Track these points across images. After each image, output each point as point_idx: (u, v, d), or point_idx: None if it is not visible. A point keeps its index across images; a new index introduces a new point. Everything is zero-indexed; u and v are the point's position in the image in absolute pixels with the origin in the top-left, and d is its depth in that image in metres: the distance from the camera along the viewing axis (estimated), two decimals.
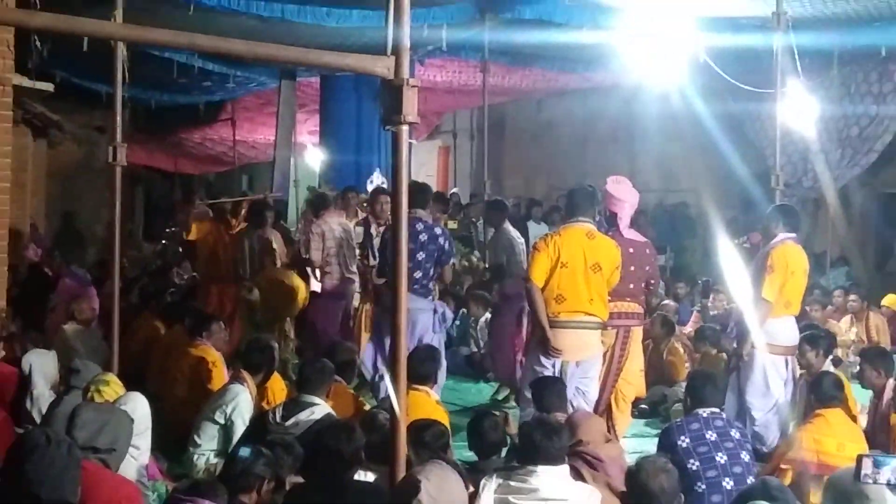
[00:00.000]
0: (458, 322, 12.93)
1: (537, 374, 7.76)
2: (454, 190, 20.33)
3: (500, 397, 10.63)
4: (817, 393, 7.27)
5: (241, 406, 7.50)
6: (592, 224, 7.99)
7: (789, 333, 8.27)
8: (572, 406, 7.45)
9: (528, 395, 7.75)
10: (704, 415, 6.37)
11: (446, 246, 9.10)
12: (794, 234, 8.36)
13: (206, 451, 7.52)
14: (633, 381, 8.45)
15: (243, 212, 12.44)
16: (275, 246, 12.03)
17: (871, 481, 4.30)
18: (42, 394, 7.43)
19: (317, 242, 10.74)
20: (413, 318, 8.62)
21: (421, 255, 8.80)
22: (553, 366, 7.78)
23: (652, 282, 8.52)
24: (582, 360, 7.82)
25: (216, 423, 7.52)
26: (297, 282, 11.35)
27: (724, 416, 6.56)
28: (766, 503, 4.05)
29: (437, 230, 9.04)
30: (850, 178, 15.42)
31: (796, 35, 9.71)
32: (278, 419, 6.87)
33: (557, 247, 7.77)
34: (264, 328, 11.10)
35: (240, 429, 7.35)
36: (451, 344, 12.74)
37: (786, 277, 8.07)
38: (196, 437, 7.55)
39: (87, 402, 5.87)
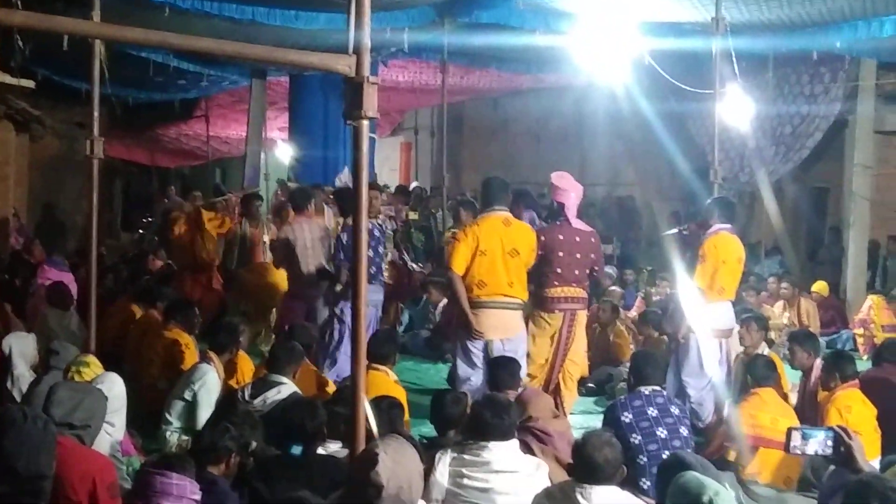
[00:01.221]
0: (418, 307, 12.94)
1: (466, 354, 7.84)
2: (415, 184, 20.31)
3: None
4: (753, 373, 7.43)
5: (208, 384, 7.47)
6: (508, 212, 8.05)
7: (723, 318, 8.34)
8: None
9: (463, 374, 7.83)
10: (646, 392, 6.42)
11: (377, 233, 9.49)
12: (728, 225, 8.42)
13: (177, 427, 7.49)
14: (579, 361, 8.53)
15: (237, 205, 12.42)
16: (265, 238, 11.98)
17: (799, 452, 4.36)
18: (22, 374, 7.38)
19: (282, 249, 10.58)
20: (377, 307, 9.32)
21: (369, 252, 8.89)
22: (480, 346, 7.83)
23: (596, 268, 8.53)
24: (506, 338, 7.85)
25: (185, 400, 7.49)
26: (281, 275, 11.33)
27: (665, 393, 6.62)
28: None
29: (369, 224, 9.07)
30: (784, 173, 15.55)
31: (734, 39, 9.75)
32: (247, 397, 6.88)
33: (476, 236, 7.81)
34: (252, 319, 11.08)
35: (206, 405, 7.33)
36: (412, 327, 12.79)
37: (717, 266, 8.13)
38: (168, 415, 7.52)
39: (63, 381, 5.82)
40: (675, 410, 6.37)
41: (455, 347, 8.17)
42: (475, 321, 7.80)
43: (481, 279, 7.78)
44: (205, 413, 7.29)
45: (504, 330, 7.86)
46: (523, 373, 7.77)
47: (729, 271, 8.25)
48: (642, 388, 6.45)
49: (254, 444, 5.38)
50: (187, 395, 7.45)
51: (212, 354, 7.80)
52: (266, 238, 11.97)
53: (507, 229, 7.89)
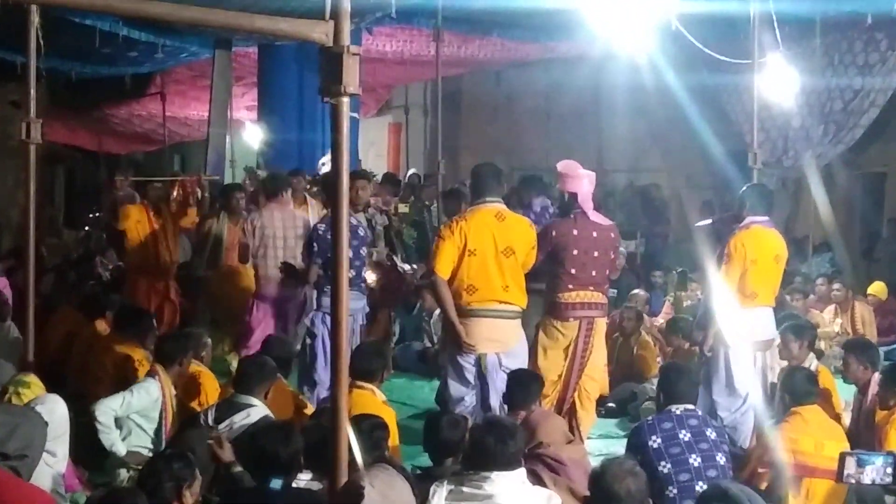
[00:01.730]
0: (410, 316, 12.92)
1: (457, 371, 7.82)
2: (412, 171, 20.28)
3: None
4: (790, 390, 7.33)
5: (139, 397, 7.50)
6: (502, 204, 8.00)
7: (759, 327, 8.33)
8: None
9: (456, 394, 7.81)
10: (678, 412, 6.40)
11: (361, 233, 9.36)
12: (764, 218, 8.41)
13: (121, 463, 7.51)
14: (597, 378, 8.45)
15: (199, 196, 12.34)
16: (242, 238, 11.91)
17: (854, 481, 4.35)
18: None
19: (248, 238, 10.61)
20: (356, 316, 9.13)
21: (349, 254, 8.84)
22: (472, 360, 7.82)
23: (608, 272, 8.50)
24: (502, 352, 7.83)
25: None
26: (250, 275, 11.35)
27: (699, 413, 6.60)
28: None
29: (353, 221, 9.03)
30: (834, 156, 15.54)
31: (775, 1, 9.78)
32: (211, 422, 6.86)
33: (464, 233, 7.75)
34: (221, 330, 11.07)
35: (133, 423, 7.47)
36: (403, 338, 12.77)
37: (744, 266, 8.14)
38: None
39: None
40: (711, 434, 6.34)
41: (444, 363, 8.15)
42: (465, 332, 7.77)
43: (471, 283, 7.73)
44: (135, 437, 7.42)
45: (500, 342, 7.83)
46: None
47: (761, 272, 8.24)
48: (673, 408, 6.43)
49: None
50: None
51: (158, 367, 7.77)
52: (243, 237, 11.92)
53: (500, 224, 7.84)
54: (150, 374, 7.77)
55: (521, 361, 7.93)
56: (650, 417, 6.81)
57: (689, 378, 6.82)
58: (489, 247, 7.73)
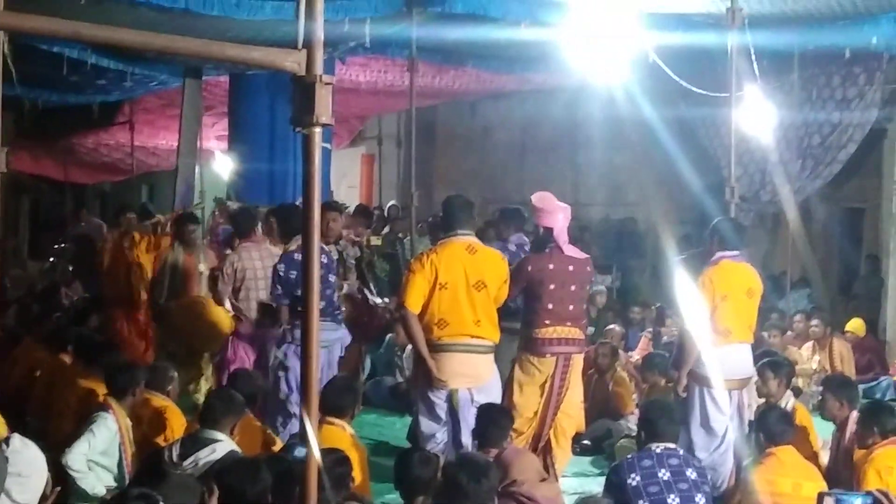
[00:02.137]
0: (381, 351, 12.89)
1: (428, 407, 7.80)
2: (392, 203, 20.26)
3: None
4: (765, 430, 7.35)
5: (97, 437, 7.47)
6: (473, 237, 8.03)
7: (733, 364, 8.32)
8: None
9: (427, 430, 7.79)
10: (658, 451, 6.40)
11: (325, 259, 9.16)
12: (734, 252, 8.42)
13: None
14: (574, 414, 8.46)
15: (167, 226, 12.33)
16: (201, 268, 11.85)
17: None
18: None
19: (228, 281, 10.49)
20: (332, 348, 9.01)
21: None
22: (443, 396, 7.82)
23: (586, 307, 8.53)
24: (474, 387, 7.82)
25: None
26: (222, 313, 11.23)
27: (680, 452, 6.61)
28: None
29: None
30: (812, 191, 15.63)
31: (753, 34, 9.84)
32: (175, 458, 6.80)
33: (435, 266, 7.76)
34: (179, 363, 10.98)
35: (94, 463, 7.42)
36: (374, 373, 12.73)
37: (714, 303, 8.14)
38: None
39: None
40: (691, 475, 6.34)
41: (415, 398, 8.12)
42: (436, 367, 7.74)
43: (442, 317, 7.75)
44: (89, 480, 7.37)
45: (471, 377, 7.83)
46: None
47: (734, 308, 8.25)
48: (653, 446, 6.45)
49: None
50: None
51: (110, 401, 7.73)
52: (202, 267, 11.86)
53: (471, 257, 7.85)
54: (103, 408, 7.74)
55: (494, 397, 7.91)
56: (630, 455, 6.81)
57: (671, 416, 6.85)
58: (460, 280, 7.73)
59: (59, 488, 6.17)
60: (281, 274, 8.82)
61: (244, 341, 10.28)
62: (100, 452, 7.54)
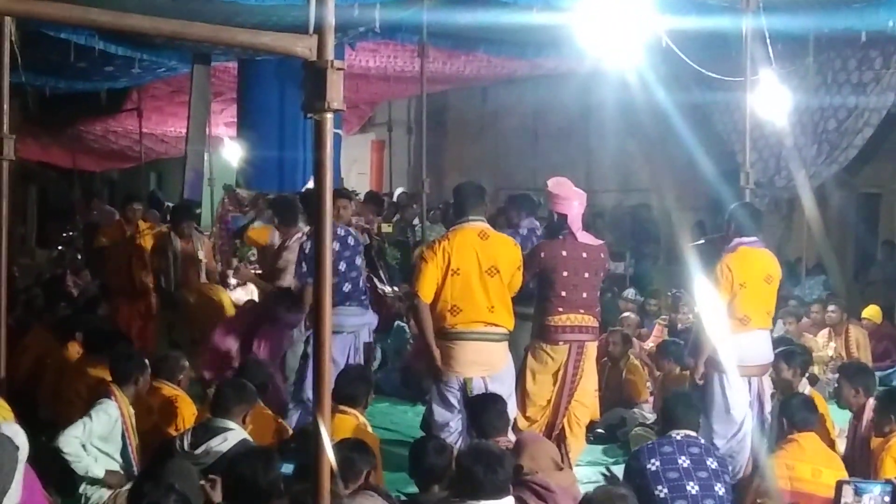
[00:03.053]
0: (390, 339, 12.89)
1: (442, 396, 7.81)
2: (401, 190, 20.27)
3: None
4: (788, 416, 7.36)
5: (94, 422, 7.48)
6: (485, 223, 8.01)
7: (753, 351, 8.31)
8: None
9: (440, 419, 7.79)
10: (678, 438, 6.42)
11: (352, 242, 9.28)
12: (752, 238, 8.40)
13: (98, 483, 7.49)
14: (588, 403, 8.45)
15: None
16: (200, 255, 11.89)
17: None
18: None
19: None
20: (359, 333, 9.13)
21: (342, 266, 8.85)
22: (456, 384, 7.81)
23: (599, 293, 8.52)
24: (488, 375, 7.81)
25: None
26: (226, 298, 11.29)
27: (701, 441, 6.61)
28: None
29: (340, 231, 9.01)
30: (828, 176, 15.57)
31: (768, 18, 9.80)
32: (186, 447, 6.83)
33: (447, 253, 7.74)
34: (184, 350, 11.01)
35: (96, 450, 7.44)
36: (385, 362, 12.73)
37: (734, 291, 8.12)
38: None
39: None
40: (712, 464, 6.35)
41: (429, 387, 8.13)
42: (450, 355, 7.76)
43: (455, 304, 7.72)
44: (83, 464, 7.40)
45: (486, 365, 7.81)
46: (512, 413, 7.72)
47: (752, 294, 8.23)
48: (674, 433, 6.47)
49: None
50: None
51: (113, 388, 7.75)
52: (201, 255, 11.89)
53: (483, 243, 7.83)
54: (106, 394, 7.76)
55: (509, 385, 7.91)
56: (651, 441, 6.83)
57: (691, 404, 6.88)
58: (473, 266, 7.71)
59: None
60: (306, 251, 8.83)
61: (279, 326, 10.25)
62: (99, 438, 7.54)
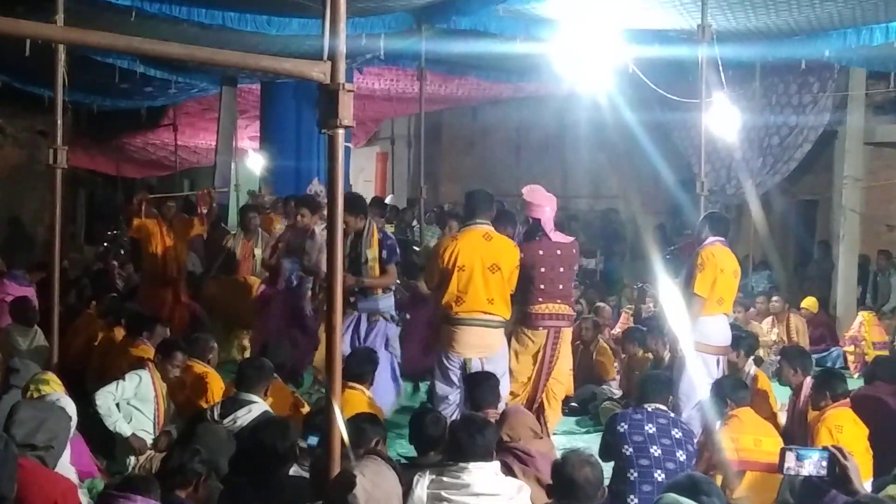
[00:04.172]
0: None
1: (444, 373, 7.85)
2: (390, 198, 20.28)
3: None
4: (724, 395, 7.37)
5: (127, 382, 7.63)
6: (490, 226, 8.02)
7: (722, 333, 8.33)
8: None
9: (441, 392, 7.83)
10: (649, 409, 6.48)
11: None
12: (722, 238, 8.44)
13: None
14: (564, 380, 8.47)
15: (209, 207, 12.43)
16: (257, 252, 11.91)
17: (794, 473, 4.36)
18: None
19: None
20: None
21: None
22: (457, 363, 7.84)
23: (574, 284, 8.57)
24: (485, 357, 7.84)
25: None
26: (254, 284, 11.42)
27: (670, 416, 6.62)
28: (693, 495, 4.06)
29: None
30: (771, 185, 15.63)
31: (721, 47, 9.80)
32: (216, 417, 6.85)
33: (453, 252, 7.80)
34: (221, 332, 11.05)
35: (133, 408, 7.59)
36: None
37: (716, 274, 8.13)
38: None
39: (25, 400, 5.76)
40: (676, 434, 6.38)
41: (433, 365, 8.16)
42: (453, 337, 7.80)
43: (459, 295, 7.77)
44: (136, 421, 7.55)
45: (483, 348, 7.84)
46: (503, 393, 7.74)
47: (726, 281, 8.24)
48: (646, 405, 6.51)
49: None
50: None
51: (149, 363, 7.87)
52: (258, 252, 11.92)
53: (487, 244, 7.87)
54: (141, 367, 7.85)
55: (503, 366, 7.95)
56: (628, 409, 6.88)
57: (660, 383, 6.94)
58: (477, 263, 7.77)
59: None
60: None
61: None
62: (136, 398, 7.65)
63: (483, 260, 7.79)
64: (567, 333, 8.36)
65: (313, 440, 5.41)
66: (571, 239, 8.57)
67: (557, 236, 8.36)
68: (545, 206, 8.34)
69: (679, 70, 11.88)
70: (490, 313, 7.83)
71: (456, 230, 10.81)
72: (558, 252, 8.24)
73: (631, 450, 6.17)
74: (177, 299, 11.92)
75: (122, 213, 22.60)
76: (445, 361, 7.89)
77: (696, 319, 8.09)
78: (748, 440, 7.08)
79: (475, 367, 7.72)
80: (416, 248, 13.59)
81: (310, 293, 10.39)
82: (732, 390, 7.41)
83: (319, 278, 9.76)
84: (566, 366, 8.46)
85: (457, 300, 7.78)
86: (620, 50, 11.46)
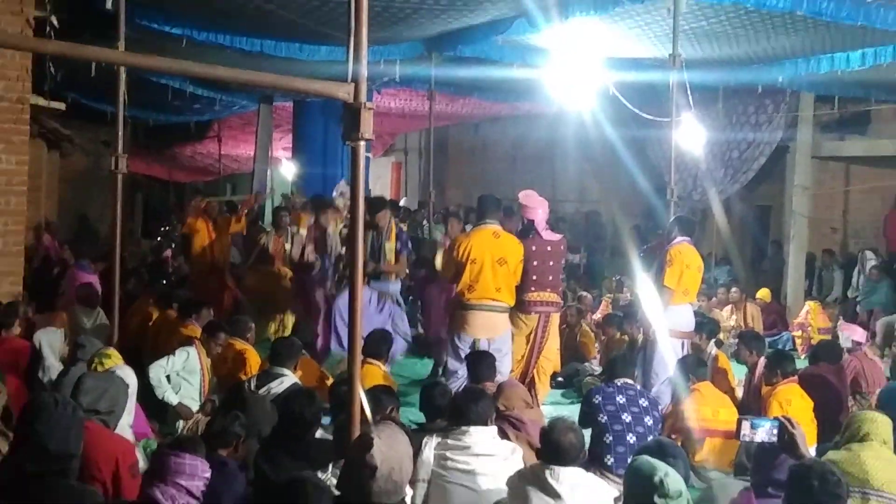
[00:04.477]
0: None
1: (455, 351, 7.89)
2: (403, 201, 20.25)
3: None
4: (687, 372, 7.38)
5: (176, 357, 7.72)
6: (498, 225, 8.06)
7: (687, 320, 8.32)
8: None
9: (452, 368, 7.85)
10: (619, 384, 6.52)
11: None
12: (688, 238, 8.43)
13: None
14: (552, 358, 8.48)
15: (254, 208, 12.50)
16: (286, 245, 11.87)
17: (748, 439, 4.38)
18: (52, 365, 7.33)
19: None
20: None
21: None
22: (467, 343, 7.88)
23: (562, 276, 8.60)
24: (491, 338, 7.87)
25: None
26: (285, 281, 11.47)
27: (637, 388, 6.65)
28: (660, 457, 4.07)
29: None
30: (732, 192, 15.65)
31: (689, 73, 9.75)
32: (253, 388, 6.87)
33: (466, 247, 7.87)
34: (257, 315, 11.06)
35: (182, 379, 7.70)
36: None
37: (682, 269, 8.12)
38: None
39: (90, 372, 5.77)
40: (643, 402, 6.40)
41: (448, 345, 8.19)
42: (465, 321, 7.84)
43: (471, 284, 7.84)
44: (185, 390, 7.63)
45: (489, 329, 7.90)
46: (505, 369, 7.74)
47: (691, 276, 8.23)
48: (616, 381, 6.54)
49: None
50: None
51: (196, 340, 7.96)
52: (288, 247, 11.92)
53: (496, 241, 7.92)
54: (189, 344, 7.92)
55: (507, 346, 7.99)
56: (600, 385, 6.90)
57: (627, 362, 7.01)
58: (487, 257, 7.83)
59: None
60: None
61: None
62: (182, 369, 7.71)
63: (492, 254, 7.84)
64: (555, 318, 8.37)
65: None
66: (560, 237, 8.57)
67: (548, 235, 8.37)
68: (538, 208, 8.36)
69: (653, 93, 11.86)
70: (497, 300, 7.88)
71: (456, 228, 10.92)
72: (549, 248, 8.24)
73: (605, 417, 6.19)
74: (221, 286, 11.95)
75: (175, 213, 22.69)
76: (457, 341, 7.94)
77: (666, 307, 8.09)
78: (707, 411, 7.12)
79: (483, 346, 7.75)
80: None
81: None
82: (694, 367, 7.46)
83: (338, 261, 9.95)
84: (554, 346, 8.47)
85: (469, 288, 7.84)
86: (602, 75, 11.45)
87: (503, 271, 7.85)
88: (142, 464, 5.18)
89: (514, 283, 7.98)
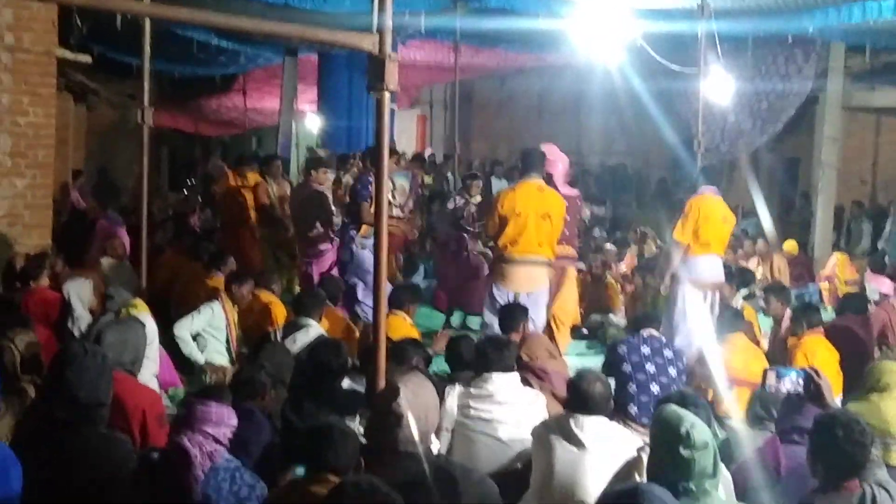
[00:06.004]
0: (431, 261, 12.90)
1: (492, 302, 7.87)
2: (429, 151, 20.22)
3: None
4: (722, 323, 7.40)
5: (201, 314, 7.78)
6: (541, 180, 7.99)
7: (709, 270, 8.27)
8: None
9: (488, 319, 7.87)
10: (644, 335, 6.49)
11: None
12: (712, 187, 8.38)
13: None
14: (568, 309, 8.54)
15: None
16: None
17: (774, 390, 4.39)
18: (81, 315, 7.41)
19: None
20: None
21: None
22: (505, 296, 7.85)
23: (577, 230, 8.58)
24: (531, 291, 7.84)
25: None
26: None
27: (662, 339, 6.64)
28: (682, 407, 4.09)
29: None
30: (760, 144, 15.49)
31: (718, 23, 9.68)
32: (279, 338, 6.93)
33: (511, 201, 7.77)
34: (285, 264, 11.11)
35: (210, 335, 7.78)
36: (426, 277, 12.74)
37: (698, 222, 8.08)
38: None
39: (108, 324, 5.69)
40: (668, 354, 6.37)
41: (486, 296, 8.16)
42: (506, 273, 7.80)
43: (514, 238, 7.76)
44: (212, 346, 7.73)
45: (530, 283, 7.85)
46: (539, 322, 7.76)
47: (712, 227, 8.19)
48: (642, 332, 6.55)
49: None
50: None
51: (222, 294, 8.03)
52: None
53: (540, 195, 7.85)
54: (215, 297, 7.98)
55: (544, 300, 7.99)
56: (626, 336, 6.92)
57: (650, 315, 7.13)
58: (532, 211, 7.74)
59: None
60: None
61: None
62: (207, 325, 7.78)
63: (536, 209, 7.76)
64: (571, 270, 8.42)
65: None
66: (577, 192, 8.59)
67: (566, 189, 8.37)
68: (558, 162, 8.37)
69: (681, 43, 11.72)
70: (538, 254, 7.83)
71: (476, 191, 10.82)
72: (566, 203, 8.22)
73: (630, 367, 6.17)
74: (252, 240, 11.97)
75: (201, 166, 22.72)
76: (495, 292, 7.91)
77: (676, 261, 8.07)
78: (739, 361, 7.13)
79: (522, 300, 7.73)
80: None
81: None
82: (729, 319, 7.52)
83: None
84: (571, 297, 8.50)
85: (512, 242, 7.76)
86: (630, 26, 11.33)
87: (546, 226, 7.79)
88: (169, 411, 5.26)
89: (556, 238, 7.95)
